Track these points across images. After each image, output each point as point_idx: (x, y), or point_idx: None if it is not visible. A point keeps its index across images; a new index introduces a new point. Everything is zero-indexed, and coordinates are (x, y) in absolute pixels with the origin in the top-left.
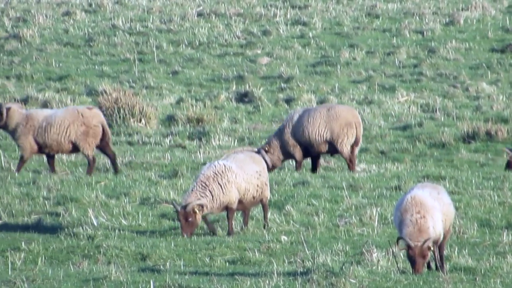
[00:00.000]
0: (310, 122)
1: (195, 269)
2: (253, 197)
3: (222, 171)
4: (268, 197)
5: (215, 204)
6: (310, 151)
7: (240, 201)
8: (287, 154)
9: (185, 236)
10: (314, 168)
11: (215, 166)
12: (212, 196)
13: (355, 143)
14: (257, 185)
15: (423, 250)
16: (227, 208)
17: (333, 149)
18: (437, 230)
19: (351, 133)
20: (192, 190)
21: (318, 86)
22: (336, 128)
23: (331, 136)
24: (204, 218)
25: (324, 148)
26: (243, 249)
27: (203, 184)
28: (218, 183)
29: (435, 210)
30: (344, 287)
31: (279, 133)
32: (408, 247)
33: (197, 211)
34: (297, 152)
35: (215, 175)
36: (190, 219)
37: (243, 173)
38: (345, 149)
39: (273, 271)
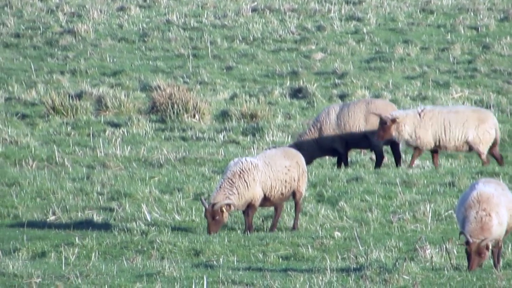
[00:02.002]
0: (351, 117)
1: (248, 265)
2: (282, 194)
3: (248, 168)
4: (303, 194)
5: (241, 202)
6: (349, 146)
7: (267, 198)
8: (324, 151)
9: (211, 234)
10: (342, 164)
11: (242, 163)
12: (238, 194)
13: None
14: (285, 181)
15: (480, 248)
16: (249, 205)
17: (367, 143)
18: (503, 227)
19: None
20: (220, 187)
21: (372, 82)
22: (373, 121)
23: (371, 130)
24: (250, 215)
25: (363, 142)
26: (297, 245)
27: (230, 182)
28: (244, 180)
29: (500, 207)
30: (397, 283)
31: (314, 131)
32: (466, 243)
33: (225, 210)
34: (340, 145)
35: (241, 172)
36: (217, 217)
37: (269, 170)
38: (380, 143)
39: (326, 267)
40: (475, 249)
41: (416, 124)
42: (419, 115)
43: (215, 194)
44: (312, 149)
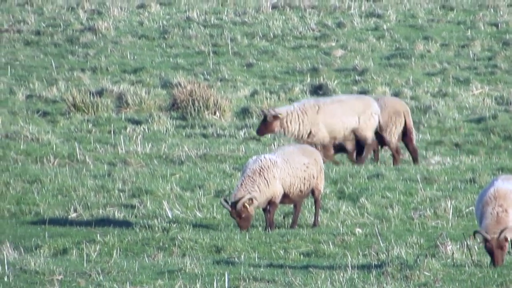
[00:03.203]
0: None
1: (269, 262)
2: (301, 191)
3: (268, 166)
4: (322, 191)
5: (262, 199)
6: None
7: (286, 196)
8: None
9: (244, 230)
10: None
11: (261, 161)
12: (260, 191)
13: (409, 132)
14: (304, 178)
15: (500, 242)
16: (269, 202)
17: (380, 140)
18: None
19: (399, 123)
20: (241, 185)
21: (392, 79)
22: (384, 118)
23: (379, 126)
24: (271, 213)
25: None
26: (318, 241)
27: (251, 179)
28: (264, 177)
29: None
30: (419, 280)
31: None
32: (485, 240)
33: (248, 206)
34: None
35: (261, 169)
36: (243, 215)
37: (288, 167)
38: (393, 139)
39: (347, 264)
40: (496, 244)
41: (302, 119)
42: (303, 110)
43: (236, 192)
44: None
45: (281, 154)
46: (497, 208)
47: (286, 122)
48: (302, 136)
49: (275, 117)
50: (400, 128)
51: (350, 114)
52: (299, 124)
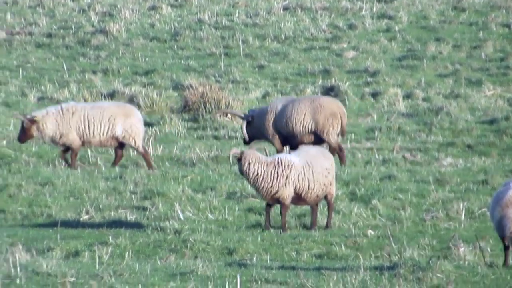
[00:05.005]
0: (294, 114)
1: (281, 264)
2: (317, 196)
3: (287, 166)
4: (334, 195)
5: (264, 182)
6: (291, 142)
7: (302, 199)
8: (263, 137)
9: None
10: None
11: (280, 159)
12: (267, 175)
13: (341, 133)
14: (324, 184)
15: None
16: (279, 202)
17: (317, 140)
18: None
19: (336, 123)
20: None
21: (404, 80)
22: (321, 119)
23: (316, 127)
24: (283, 214)
25: (308, 139)
26: (330, 243)
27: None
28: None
29: None
30: (431, 282)
31: (260, 118)
32: None
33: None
34: (276, 141)
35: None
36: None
37: (309, 171)
38: (332, 139)
39: (359, 266)
40: None
41: (58, 122)
42: (61, 112)
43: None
44: (256, 131)
45: (305, 156)
46: None
47: (43, 125)
48: (56, 139)
49: (32, 121)
50: (337, 128)
51: (109, 120)
52: (56, 126)
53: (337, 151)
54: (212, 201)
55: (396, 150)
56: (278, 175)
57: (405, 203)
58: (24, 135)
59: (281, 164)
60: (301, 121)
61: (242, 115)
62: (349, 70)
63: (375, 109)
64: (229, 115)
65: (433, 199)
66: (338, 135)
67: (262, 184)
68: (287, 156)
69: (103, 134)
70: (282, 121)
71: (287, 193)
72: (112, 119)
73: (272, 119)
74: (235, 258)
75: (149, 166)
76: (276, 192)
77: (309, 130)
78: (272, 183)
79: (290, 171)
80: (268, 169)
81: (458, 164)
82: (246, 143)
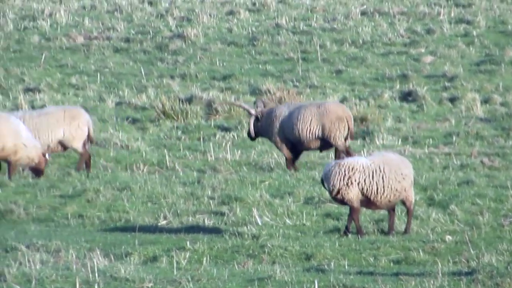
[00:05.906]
0: (301, 120)
1: (359, 269)
2: (389, 201)
3: (350, 168)
4: (413, 201)
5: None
6: (298, 148)
7: (372, 202)
8: (267, 137)
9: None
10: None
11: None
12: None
13: (350, 136)
14: (397, 189)
15: None
16: (346, 203)
17: (325, 145)
18: None
19: (343, 127)
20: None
21: (482, 85)
22: (327, 124)
23: (323, 132)
24: (354, 218)
25: (315, 144)
26: (408, 249)
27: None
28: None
29: None
30: (510, 287)
31: (267, 119)
32: None
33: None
34: (285, 150)
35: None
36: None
37: (379, 175)
38: (339, 142)
39: (437, 271)
40: None
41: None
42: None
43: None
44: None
45: (377, 161)
46: None
47: None
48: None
49: None
50: (344, 132)
51: (54, 125)
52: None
53: (345, 154)
54: (289, 206)
55: (474, 155)
56: (339, 175)
57: (483, 208)
58: None
59: (344, 165)
60: (308, 127)
61: (252, 111)
62: (427, 75)
63: (453, 114)
64: None
65: (511, 204)
66: (346, 139)
67: (329, 181)
68: (355, 158)
69: (51, 141)
70: (289, 128)
71: (351, 195)
72: (57, 123)
73: (278, 127)
74: (313, 264)
75: (80, 166)
76: (338, 191)
77: (316, 136)
78: (333, 182)
79: (354, 173)
80: (334, 169)
81: None
82: (251, 138)
